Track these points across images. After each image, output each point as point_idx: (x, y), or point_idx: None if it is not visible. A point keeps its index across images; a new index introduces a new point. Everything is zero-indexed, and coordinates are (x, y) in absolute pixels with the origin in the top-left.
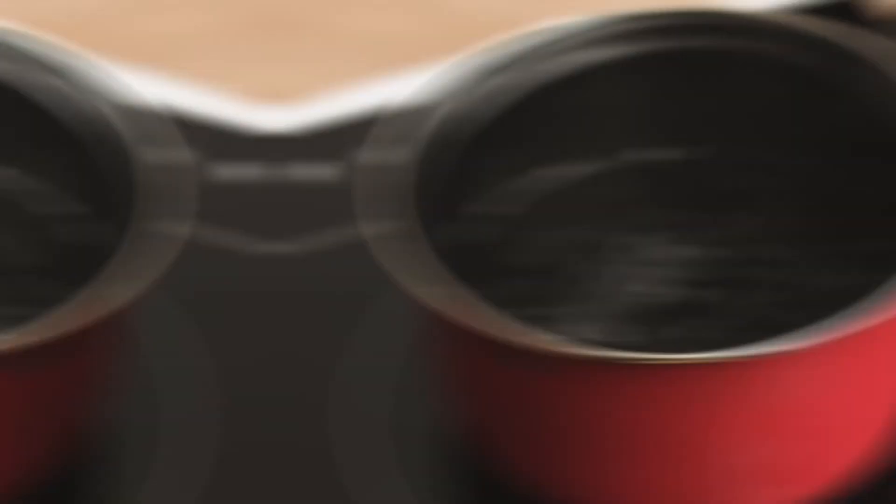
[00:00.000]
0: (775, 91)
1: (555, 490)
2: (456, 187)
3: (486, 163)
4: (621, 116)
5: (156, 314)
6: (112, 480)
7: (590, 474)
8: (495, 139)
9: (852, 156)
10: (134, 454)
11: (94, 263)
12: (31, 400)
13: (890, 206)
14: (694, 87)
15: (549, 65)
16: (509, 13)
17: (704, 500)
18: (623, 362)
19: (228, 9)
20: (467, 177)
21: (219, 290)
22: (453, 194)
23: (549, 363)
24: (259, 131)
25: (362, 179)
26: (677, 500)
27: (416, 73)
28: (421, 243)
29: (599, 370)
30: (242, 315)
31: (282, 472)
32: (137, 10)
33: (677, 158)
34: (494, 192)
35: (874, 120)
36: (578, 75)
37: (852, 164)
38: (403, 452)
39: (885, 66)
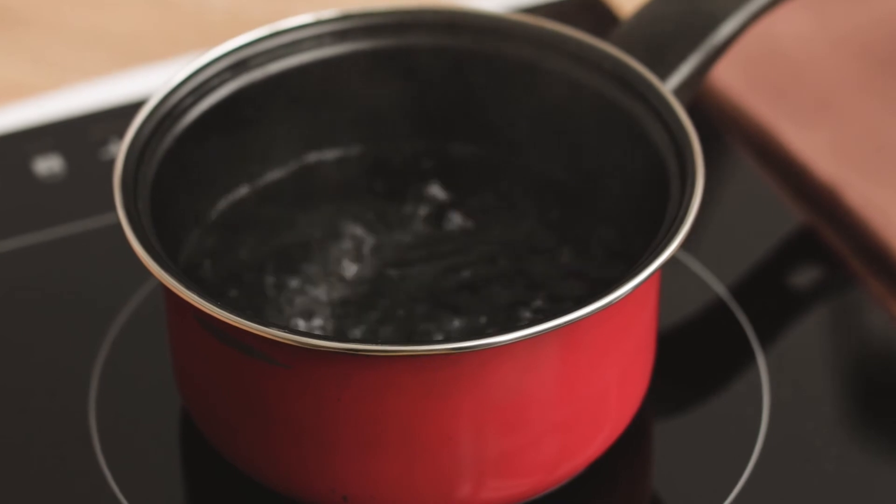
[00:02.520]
0: (512, 89)
1: (294, 484)
2: (171, 179)
3: (197, 156)
4: (342, 109)
5: None
6: None
7: (330, 468)
8: (207, 133)
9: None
10: None
11: None
12: None
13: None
14: (427, 84)
15: (278, 60)
16: (241, 12)
17: (445, 493)
18: (354, 353)
19: None
20: (181, 169)
21: None
22: (168, 187)
23: (280, 352)
24: None
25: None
26: (419, 493)
27: (143, 69)
28: (144, 234)
29: (332, 360)
30: None
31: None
32: None
33: (404, 152)
34: (209, 184)
35: (605, 119)
36: (298, 71)
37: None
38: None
39: (620, 64)
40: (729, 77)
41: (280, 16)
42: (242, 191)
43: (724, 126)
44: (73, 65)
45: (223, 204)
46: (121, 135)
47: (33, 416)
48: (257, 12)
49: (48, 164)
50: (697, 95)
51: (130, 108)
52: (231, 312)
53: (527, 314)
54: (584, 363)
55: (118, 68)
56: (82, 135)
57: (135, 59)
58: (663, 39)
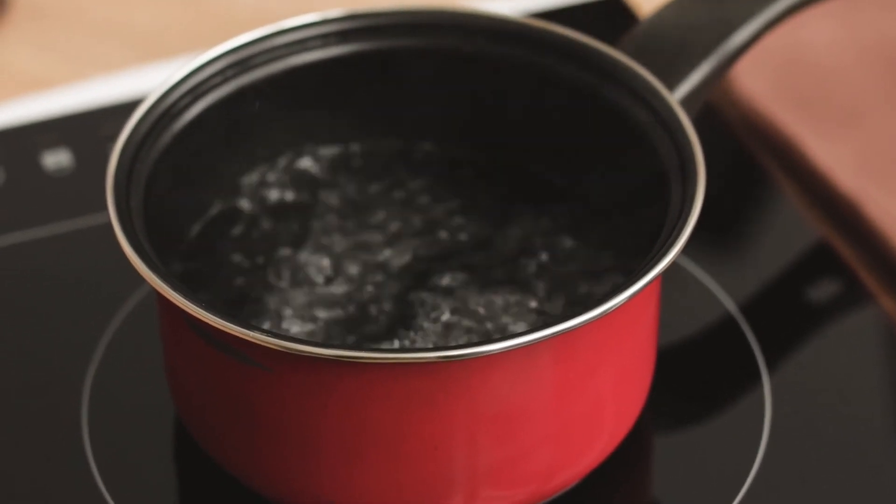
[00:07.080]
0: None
1: (281, 489)
2: (168, 178)
3: (195, 155)
4: (345, 110)
5: None
6: None
7: (315, 475)
8: (206, 132)
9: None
10: None
11: None
12: None
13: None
14: (431, 87)
15: (281, 59)
16: (265, 8)
17: (432, 502)
18: (340, 359)
19: None
20: (179, 168)
21: None
22: (165, 185)
23: (265, 356)
24: None
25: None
26: (406, 502)
27: (160, 65)
28: (134, 233)
29: (318, 366)
30: None
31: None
32: None
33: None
34: (207, 183)
35: (609, 125)
36: (302, 70)
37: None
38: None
39: (627, 70)
40: (753, 85)
41: (304, 13)
42: (240, 190)
43: (745, 135)
44: (96, 59)
45: (220, 204)
46: (116, 132)
47: (24, 415)
48: (281, 9)
49: (56, 158)
50: (720, 102)
51: (120, 106)
52: (217, 315)
53: (521, 320)
54: (577, 373)
55: (141, 63)
56: (91, 130)
57: (157, 54)
58: (675, 46)
